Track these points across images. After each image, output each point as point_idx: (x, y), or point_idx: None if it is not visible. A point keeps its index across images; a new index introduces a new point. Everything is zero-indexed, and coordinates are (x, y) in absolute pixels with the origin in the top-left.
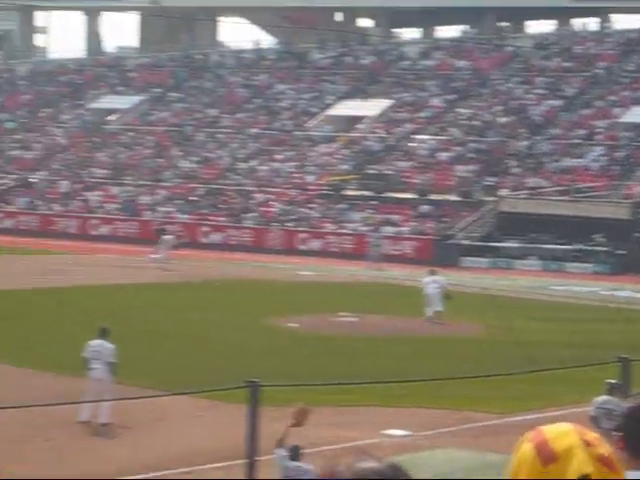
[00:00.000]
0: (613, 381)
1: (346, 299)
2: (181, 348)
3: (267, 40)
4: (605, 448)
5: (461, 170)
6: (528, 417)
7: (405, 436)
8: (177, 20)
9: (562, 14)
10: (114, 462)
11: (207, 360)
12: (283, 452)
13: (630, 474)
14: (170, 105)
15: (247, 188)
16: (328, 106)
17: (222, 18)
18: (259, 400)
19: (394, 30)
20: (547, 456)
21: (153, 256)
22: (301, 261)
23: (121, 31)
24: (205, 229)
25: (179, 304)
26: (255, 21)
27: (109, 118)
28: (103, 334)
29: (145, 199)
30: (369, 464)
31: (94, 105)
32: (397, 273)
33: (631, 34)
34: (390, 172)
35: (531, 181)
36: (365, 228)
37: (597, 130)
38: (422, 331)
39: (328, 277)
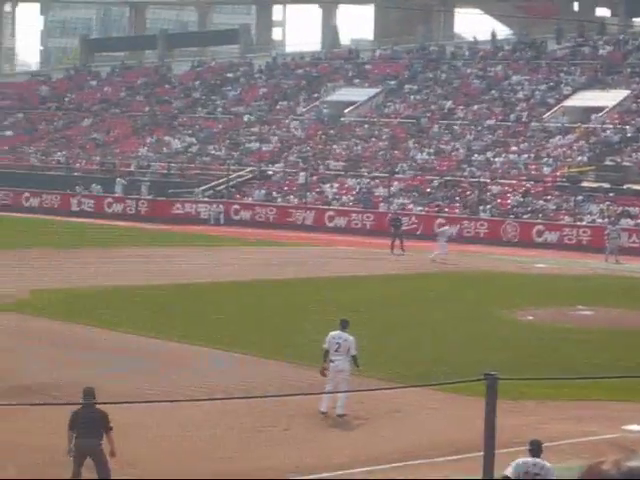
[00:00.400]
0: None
1: (582, 292)
2: (416, 340)
3: (503, 31)
4: None
5: None
6: None
7: None
8: (412, 12)
9: None
10: (348, 453)
11: (442, 352)
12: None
13: None
14: (405, 97)
15: (482, 180)
16: (565, 97)
17: (458, 9)
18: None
19: (633, 19)
20: None
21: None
22: (537, 254)
23: (356, 23)
24: (440, 221)
25: (415, 296)
26: (490, 12)
27: (345, 110)
28: (343, 326)
29: (380, 191)
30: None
31: (330, 98)
32: (635, 266)
33: None
34: (628, 164)
35: None
36: (602, 220)
37: None
38: None
39: (564, 270)
